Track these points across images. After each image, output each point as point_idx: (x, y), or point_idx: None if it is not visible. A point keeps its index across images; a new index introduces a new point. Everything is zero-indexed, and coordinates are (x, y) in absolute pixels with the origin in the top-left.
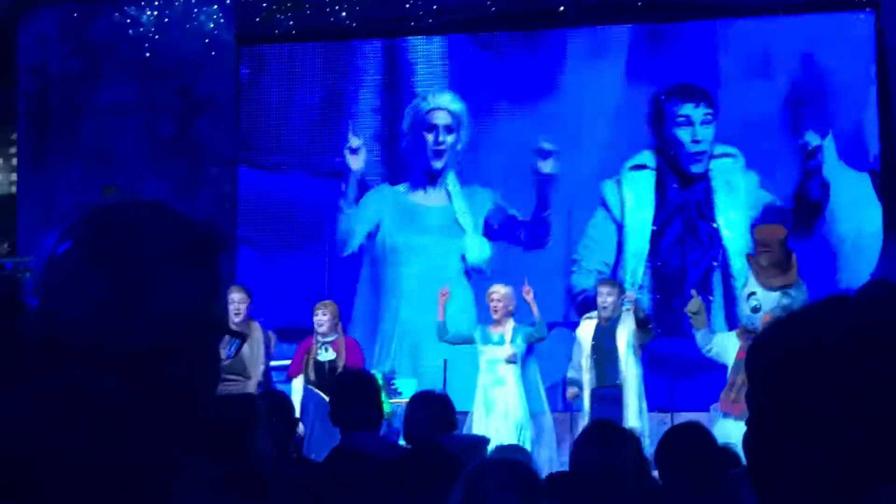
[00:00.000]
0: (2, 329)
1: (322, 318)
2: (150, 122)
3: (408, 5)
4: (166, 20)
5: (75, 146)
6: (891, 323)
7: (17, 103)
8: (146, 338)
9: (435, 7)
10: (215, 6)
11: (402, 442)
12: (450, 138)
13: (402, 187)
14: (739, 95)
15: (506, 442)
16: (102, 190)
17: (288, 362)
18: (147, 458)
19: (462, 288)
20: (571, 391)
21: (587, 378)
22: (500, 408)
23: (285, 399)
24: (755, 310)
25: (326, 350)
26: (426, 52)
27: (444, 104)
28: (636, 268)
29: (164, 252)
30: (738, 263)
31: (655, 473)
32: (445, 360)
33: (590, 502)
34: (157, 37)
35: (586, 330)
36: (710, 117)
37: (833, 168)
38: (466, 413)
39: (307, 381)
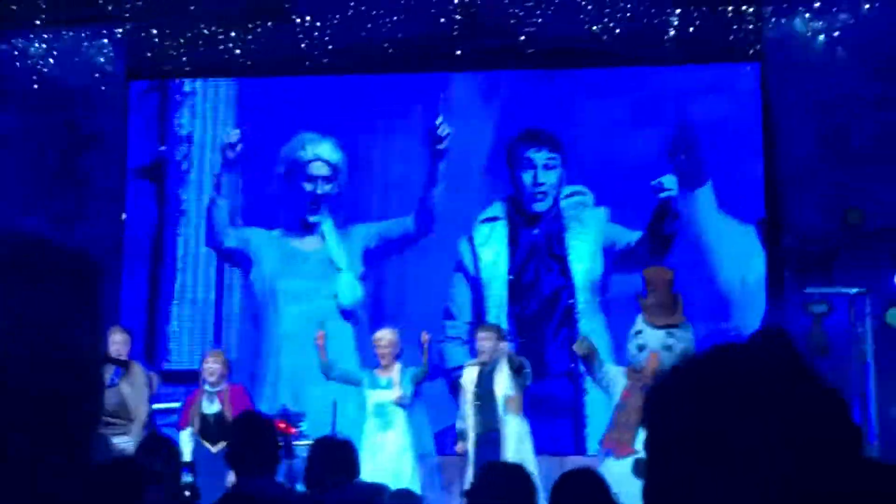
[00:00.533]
0: None
1: (213, 366)
2: (35, 155)
3: (303, 45)
4: (55, 52)
5: None
6: (790, 362)
7: None
8: (28, 370)
9: (330, 47)
10: (105, 40)
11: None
12: (328, 188)
13: (276, 232)
14: (618, 142)
15: (393, 485)
16: None
17: (173, 405)
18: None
19: (341, 330)
20: (460, 445)
21: (471, 423)
22: (388, 450)
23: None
24: (641, 348)
25: (212, 402)
26: (316, 91)
27: (324, 155)
28: (499, 318)
29: (44, 284)
30: (583, 297)
31: None
32: (335, 402)
33: None
34: (45, 70)
35: (468, 376)
36: (554, 162)
37: (712, 217)
38: None
39: (195, 433)
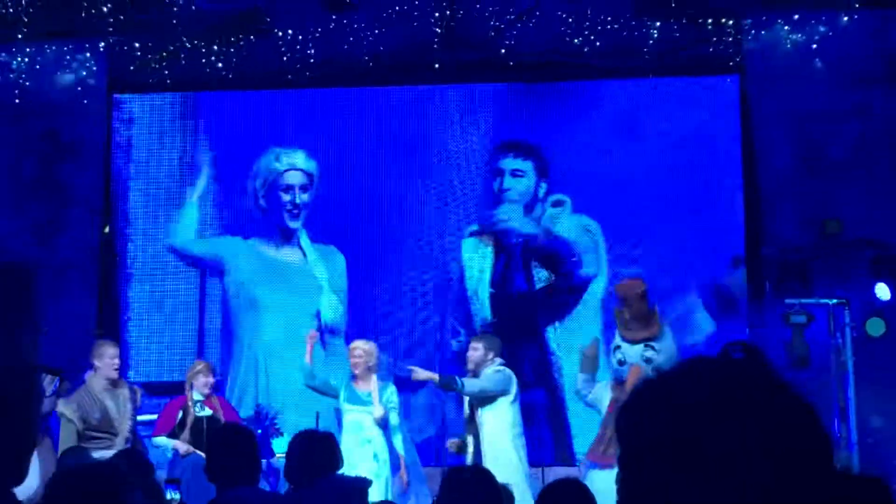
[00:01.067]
0: None
1: (208, 380)
2: (16, 166)
3: (285, 58)
4: (37, 66)
5: None
6: (762, 372)
7: None
8: None
9: (312, 61)
10: (88, 54)
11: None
12: (305, 196)
13: (253, 241)
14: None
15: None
16: None
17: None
18: None
19: (318, 347)
20: (453, 441)
21: (469, 433)
22: (366, 465)
23: (143, 457)
24: (621, 363)
25: (202, 408)
26: (301, 105)
27: (298, 164)
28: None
29: None
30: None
31: None
32: (318, 413)
33: None
34: (27, 83)
35: None
36: (520, 173)
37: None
38: None
39: (182, 440)
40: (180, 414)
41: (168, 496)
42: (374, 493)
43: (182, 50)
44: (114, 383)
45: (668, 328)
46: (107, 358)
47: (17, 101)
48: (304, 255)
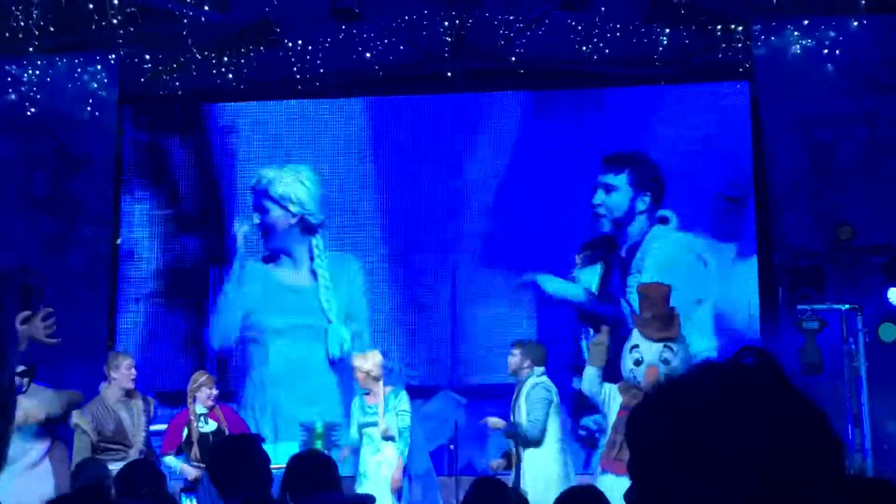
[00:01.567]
0: None
1: (212, 392)
2: (26, 180)
3: (295, 69)
4: (48, 79)
5: None
6: (772, 375)
7: None
8: None
9: (322, 70)
10: (99, 66)
11: None
12: (310, 215)
13: (270, 266)
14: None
15: None
16: None
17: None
18: None
19: (327, 375)
20: (499, 463)
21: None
22: (383, 473)
23: (155, 468)
24: (637, 363)
25: (206, 422)
26: (315, 114)
27: (295, 178)
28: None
29: None
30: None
31: None
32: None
33: None
34: (38, 96)
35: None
36: (613, 188)
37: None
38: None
39: (190, 458)
40: (186, 430)
41: (184, 503)
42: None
43: (192, 61)
44: (128, 394)
45: (684, 335)
46: (123, 368)
47: (28, 113)
48: (316, 277)
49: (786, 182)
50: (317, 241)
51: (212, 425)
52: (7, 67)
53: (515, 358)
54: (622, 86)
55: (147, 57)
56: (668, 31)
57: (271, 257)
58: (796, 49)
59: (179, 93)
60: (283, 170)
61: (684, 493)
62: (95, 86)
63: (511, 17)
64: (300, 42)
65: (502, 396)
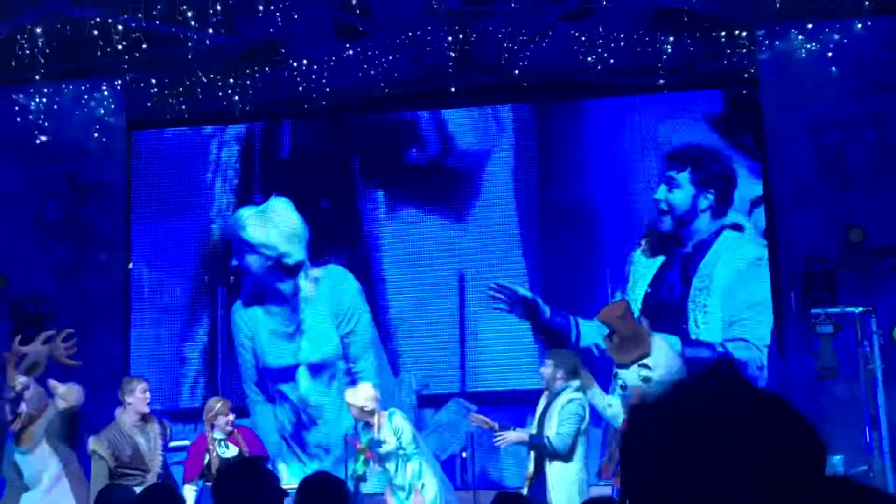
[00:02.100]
0: None
1: (229, 418)
2: (37, 208)
3: (300, 88)
4: (55, 107)
5: None
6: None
7: None
8: None
9: (327, 90)
10: (105, 92)
11: None
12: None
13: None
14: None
15: None
16: None
17: (186, 443)
18: None
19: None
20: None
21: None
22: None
23: (175, 492)
24: (623, 387)
25: (227, 447)
26: (315, 134)
27: (263, 221)
28: None
29: None
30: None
31: None
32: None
33: None
34: (46, 123)
35: (541, 402)
36: (677, 184)
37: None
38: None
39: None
40: (207, 457)
41: None
42: None
43: (198, 84)
44: (144, 418)
45: (661, 339)
46: (138, 393)
47: (36, 141)
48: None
49: (795, 186)
50: (302, 282)
51: (233, 450)
52: (14, 96)
53: (548, 369)
54: (627, 95)
55: (153, 81)
56: (671, 39)
57: (257, 299)
58: (801, 53)
59: (186, 116)
60: (255, 211)
61: (685, 493)
62: (102, 112)
63: (514, 30)
64: (305, 62)
65: (515, 403)
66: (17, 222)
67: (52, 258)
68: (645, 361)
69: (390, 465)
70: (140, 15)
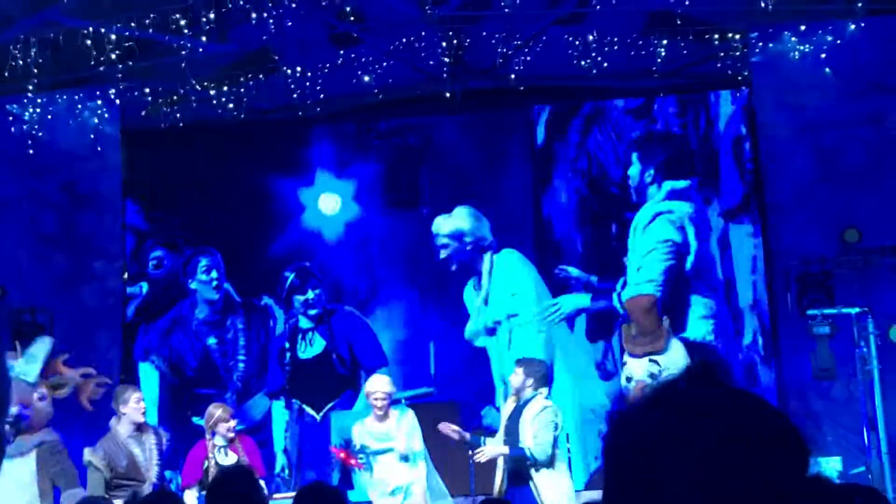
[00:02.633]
0: None
1: (230, 424)
2: (33, 218)
3: (295, 95)
4: (49, 116)
5: None
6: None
7: None
8: None
9: (322, 96)
10: (99, 101)
11: None
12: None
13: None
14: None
15: None
16: None
17: None
18: None
19: None
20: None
21: (499, 463)
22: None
23: (177, 499)
24: (628, 379)
25: (226, 454)
26: (313, 140)
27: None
28: None
29: None
30: None
31: None
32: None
33: None
34: (40, 133)
35: (506, 408)
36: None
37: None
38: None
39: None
40: (206, 462)
41: None
42: None
43: (192, 93)
44: (139, 428)
45: (677, 342)
46: (132, 402)
47: (31, 151)
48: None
49: (790, 187)
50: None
51: (231, 457)
52: (8, 107)
53: (518, 377)
54: (621, 98)
55: (147, 90)
56: (665, 42)
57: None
58: (794, 55)
59: (181, 125)
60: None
61: (663, 497)
62: (97, 121)
63: (508, 35)
64: (298, 69)
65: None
66: (14, 232)
67: (48, 268)
68: (656, 358)
69: (388, 466)
70: (133, 24)
